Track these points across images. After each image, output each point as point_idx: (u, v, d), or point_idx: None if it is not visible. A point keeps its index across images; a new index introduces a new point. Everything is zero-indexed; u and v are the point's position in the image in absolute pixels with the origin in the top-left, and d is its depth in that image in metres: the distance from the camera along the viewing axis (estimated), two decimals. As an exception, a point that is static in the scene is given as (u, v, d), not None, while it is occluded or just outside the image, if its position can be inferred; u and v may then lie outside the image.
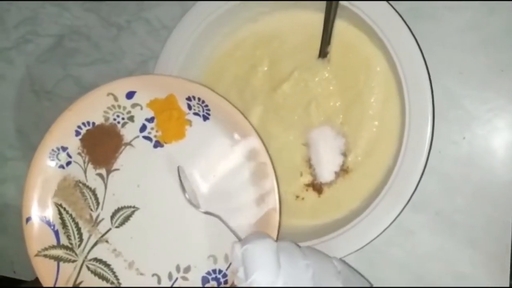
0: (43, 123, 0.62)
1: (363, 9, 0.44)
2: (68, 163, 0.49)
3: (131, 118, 0.48)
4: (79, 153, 0.49)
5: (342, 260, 0.45)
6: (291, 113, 0.49)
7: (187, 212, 0.47)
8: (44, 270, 0.48)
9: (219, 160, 0.47)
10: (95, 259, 0.48)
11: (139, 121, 0.48)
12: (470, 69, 0.47)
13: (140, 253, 0.48)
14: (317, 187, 0.49)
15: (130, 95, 0.48)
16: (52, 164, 0.48)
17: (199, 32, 0.50)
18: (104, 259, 0.48)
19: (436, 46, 0.47)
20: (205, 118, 0.47)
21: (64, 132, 0.48)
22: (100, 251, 0.48)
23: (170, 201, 0.48)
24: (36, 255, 0.48)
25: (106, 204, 0.49)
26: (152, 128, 0.48)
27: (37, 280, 0.59)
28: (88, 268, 0.48)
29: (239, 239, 0.44)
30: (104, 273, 0.48)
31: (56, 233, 0.49)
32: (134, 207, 0.48)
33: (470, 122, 0.47)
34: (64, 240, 0.49)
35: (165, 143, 0.48)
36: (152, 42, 0.58)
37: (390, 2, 0.44)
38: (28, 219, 0.48)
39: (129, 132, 0.48)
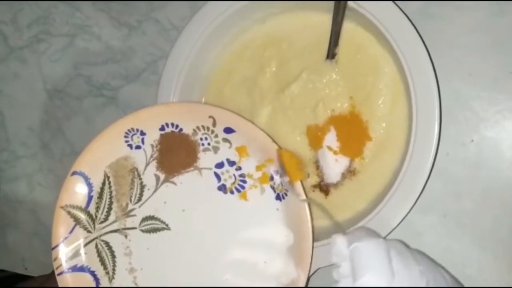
0: (54, 122, 0.63)
1: (370, 10, 0.44)
2: (137, 147, 0.48)
3: (216, 149, 0.47)
4: (151, 145, 0.48)
5: (447, 270, 0.43)
6: (298, 114, 0.49)
7: (211, 262, 0.46)
8: (61, 224, 0.48)
9: (261, 233, 0.46)
10: (107, 244, 0.48)
11: (221, 157, 0.47)
12: (479, 71, 0.46)
13: (146, 267, 0.48)
14: (324, 188, 0.49)
15: (228, 130, 0.47)
16: (123, 139, 0.48)
17: (208, 32, 0.50)
18: (113, 249, 0.48)
19: (445, 47, 0.47)
20: (278, 197, 0.46)
21: (151, 121, 0.48)
22: (115, 240, 0.48)
23: (200, 246, 0.47)
24: (62, 207, 0.48)
25: (146, 206, 0.48)
26: (227, 171, 0.47)
27: (38, 279, 0.60)
28: (96, 246, 0.48)
29: (339, 230, 0.42)
30: (106, 260, 0.48)
31: (90, 198, 0.48)
32: (167, 226, 0.48)
33: (478, 124, 0.46)
34: (91, 209, 0.48)
35: (230, 193, 0.47)
36: (162, 42, 0.58)
37: (398, 3, 0.44)
38: (74, 173, 0.48)
39: (205, 160, 0.47)
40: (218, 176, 0.47)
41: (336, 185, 0.48)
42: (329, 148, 0.48)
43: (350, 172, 0.48)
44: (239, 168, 0.47)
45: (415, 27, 0.43)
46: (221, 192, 0.47)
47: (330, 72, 0.48)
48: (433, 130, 0.42)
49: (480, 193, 0.46)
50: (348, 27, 0.47)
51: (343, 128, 0.48)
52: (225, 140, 0.47)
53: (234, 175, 0.47)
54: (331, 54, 0.48)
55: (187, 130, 0.48)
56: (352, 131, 0.47)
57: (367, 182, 0.47)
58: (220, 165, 0.47)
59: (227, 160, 0.47)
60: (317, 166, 0.49)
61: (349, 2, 0.45)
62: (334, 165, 0.48)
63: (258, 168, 0.46)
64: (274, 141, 0.46)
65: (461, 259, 0.47)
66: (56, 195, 0.63)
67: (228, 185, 0.47)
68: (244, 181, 0.47)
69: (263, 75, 0.51)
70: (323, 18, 0.48)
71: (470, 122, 0.47)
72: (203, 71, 0.53)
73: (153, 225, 0.48)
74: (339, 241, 0.40)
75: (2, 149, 0.66)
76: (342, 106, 0.48)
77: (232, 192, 0.47)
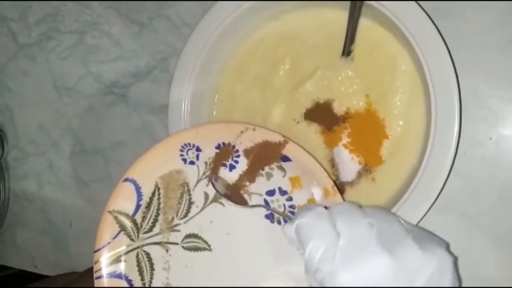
0: (63, 120, 0.63)
1: (389, 7, 0.43)
2: (191, 163, 0.47)
3: (269, 176, 0.46)
4: (205, 162, 0.47)
5: (409, 222, 0.41)
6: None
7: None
8: (107, 228, 0.47)
9: (301, 269, 0.42)
10: (147, 255, 0.47)
11: (273, 185, 0.46)
12: (498, 69, 0.46)
13: (183, 285, 0.47)
14: (339, 187, 0.48)
15: (285, 158, 0.45)
16: (179, 152, 0.47)
17: (221, 30, 0.50)
18: (153, 261, 0.47)
19: (463, 45, 0.46)
20: None
21: (209, 138, 0.47)
22: (156, 253, 0.47)
23: (238, 272, 0.46)
24: (110, 212, 0.47)
25: (191, 223, 0.47)
26: (277, 200, 0.46)
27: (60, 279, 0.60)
28: (137, 255, 0.47)
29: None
30: (145, 271, 0.47)
31: (138, 207, 0.47)
32: (209, 247, 0.47)
33: (496, 123, 0.46)
34: (138, 217, 0.47)
35: (277, 223, 0.46)
36: (173, 40, 0.58)
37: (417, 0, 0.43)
38: (126, 179, 0.47)
39: (257, 185, 0.46)
40: (267, 204, 0.46)
41: (352, 183, 0.48)
42: (345, 146, 0.48)
43: (366, 171, 0.47)
44: (290, 199, 0.45)
45: (434, 24, 0.42)
46: (268, 221, 0.46)
47: (346, 69, 0.47)
48: (453, 129, 0.41)
49: (498, 193, 0.46)
50: (365, 23, 0.47)
51: (359, 126, 0.47)
52: (279, 168, 0.46)
53: (284, 205, 0.46)
54: (346, 51, 0.47)
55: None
56: (369, 129, 0.47)
57: (384, 181, 0.47)
58: (271, 193, 0.46)
59: (279, 188, 0.46)
60: (333, 165, 0.48)
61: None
62: (349, 164, 0.48)
63: (309, 201, 0.45)
64: (329, 176, 0.44)
65: (478, 259, 0.46)
66: (66, 194, 0.64)
67: (276, 214, 0.46)
68: (293, 213, 0.45)
69: (277, 73, 0.50)
70: (337, 15, 0.47)
71: (488, 121, 0.46)
72: (216, 69, 0.52)
73: (195, 243, 0.47)
74: (285, 229, 0.40)
75: (12, 147, 0.66)
76: (358, 103, 0.47)
77: (279, 222, 0.45)
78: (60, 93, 0.63)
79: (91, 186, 0.62)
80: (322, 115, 0.49)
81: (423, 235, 0.38)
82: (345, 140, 0.48)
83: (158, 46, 0.59)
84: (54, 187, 0.64)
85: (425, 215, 0.43)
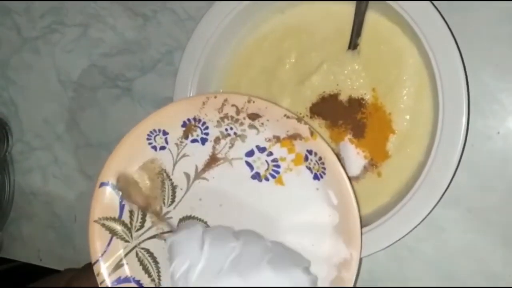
0: (68, 113, 0.63)
1: (396, 0, 0.42)
2: (162, 148, 0.47)
3: (243, 138, 0.45)
4: (176, 144, 0.46)
5: (278, 243, 0.43)
6: (319, 107, 0.48)
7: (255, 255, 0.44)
8: (97, 238, 0.46)
9: (303, 216, 0.44)
10: (147, 251, 0.47)
11: (250, 145, 0.45)
12: (507, 62, 0.45)
13: None
14: (345, 182, 0.48)
15: (254, 116, 0.45)
16: (146, 142, 0.47)
17: (226, 23, 0.49)
18: (155, 255, 0.47)
19: (472, 37, 0.46)
20: (316, 177, 0.44)
21: (172, 119, 0.46)
22: (155, 246, 0.47)
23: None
24: (95, 221, 0.46)
25: (181, 206, 0.47)
26: (258, 158, 0.45)
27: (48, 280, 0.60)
28: (137, 255, 0.47)
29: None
30: (149, 267, 0.47)
31: (122, 207, 0.47)
32: (206, 224, 0.46)
33: (505, 117, 0.45)
34: (125, 217, 0.47)
35: (265, 180, 0.45)
36: (178, 33, 0.57)
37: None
38: (102, 184, 0.46)
39: (235, 150, 0.46)
40: (250, 165, 0.45)
41: (357, 178, 0.47)
42: (351, 140, 0.47)
43: (372, 166, 0.47)
44: (270, 154, 0.45)
45: (442, 17, 0.41)
46: (256, 181, 0.45)
47: (352, 63, 0.47)
48: (461, 124, 0.40)
49: (506, 187, 0.45)
50: (372, 17, 0.46)
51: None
52: (251, 126, 0.45)
53: (266, 161, 0.45)
54: (353, 45, 0.47)
55: (212, 122, 0.46)
56: (375, 124, 0.46)
57: (390, 176, 0.46)
58: (250, 154, 0.45)
59: (257, 147, 0.45)
60: (338, 159, 0.48)
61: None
62: (355, 158, 0.47)
63: (290, 150, 0.44)
64: (305, 122, 0.43)
65: (486, 255, 0.46)
66: (71, 187, 0.64)
67: (261, 172, 0.45)
68: (278, 166, 0.45)
69: (283, 66, 0.50)
70: (344, 7, 0.47)
71: (497, 115, 0.45)
72: (221, 62, 0.52)
73: None
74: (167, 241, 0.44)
75: (16, 141, 0.66)
76: (365, 98, 0.47)
77: (267, 179, 0.45)
78: (65, 87, 0.63)
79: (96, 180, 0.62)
80: (328, 109, 0.48)
81: (284, 257, 0.42)
82: (351, 134, 0.47)
83: (163, 39, 0.58)
84: (59, 181, 0.64)
85: (432, 210, 0.42)
